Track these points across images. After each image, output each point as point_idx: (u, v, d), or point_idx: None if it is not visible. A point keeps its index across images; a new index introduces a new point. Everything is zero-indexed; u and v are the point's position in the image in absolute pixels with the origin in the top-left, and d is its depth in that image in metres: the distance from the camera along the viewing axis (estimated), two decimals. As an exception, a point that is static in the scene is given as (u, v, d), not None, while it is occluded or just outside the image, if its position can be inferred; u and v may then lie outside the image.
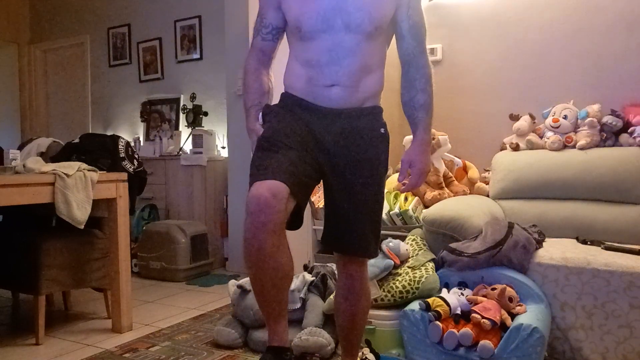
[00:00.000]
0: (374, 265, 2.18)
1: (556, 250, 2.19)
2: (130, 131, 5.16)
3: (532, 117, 3.02)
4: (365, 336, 2.03)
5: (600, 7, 2.97)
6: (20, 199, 2.13)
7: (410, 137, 1.66)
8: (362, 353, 1.98)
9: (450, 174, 3.06)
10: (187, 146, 4.42)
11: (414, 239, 2.46)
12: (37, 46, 5.87)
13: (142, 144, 4.83)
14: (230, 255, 4.01)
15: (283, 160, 1.42)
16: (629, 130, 2.75)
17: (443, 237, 2.36)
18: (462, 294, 2.05)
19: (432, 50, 3.40)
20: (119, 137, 2.81)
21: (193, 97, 4.55)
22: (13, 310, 3.04)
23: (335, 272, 2.32)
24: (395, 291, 2.17)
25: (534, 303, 2.01)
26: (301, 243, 3.23)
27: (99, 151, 2.71)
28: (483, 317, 1.85)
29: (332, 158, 1.55)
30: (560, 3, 3.08)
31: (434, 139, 2.97)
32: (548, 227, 2.61)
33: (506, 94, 3.24)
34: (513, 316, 1.92)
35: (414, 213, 2.80)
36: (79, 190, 2.31)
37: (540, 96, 3.11)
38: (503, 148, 3.09)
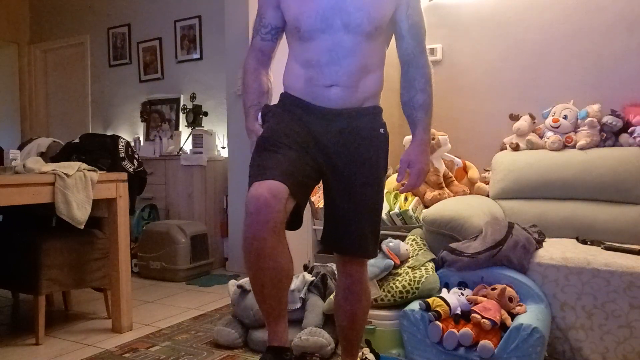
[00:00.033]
0: (374, 265, 2.18)
1: (556, 250, 2.19)
2: (130, 131, 5.16)
3: (532, 117, 3.02)
4: (365, 336, 2.03)
5: (600, 7, 2.97)
6: (20, 199, 2.13)
7: (410, 137, 1.65)
8: (362, 353, 1.98)
9: (450, 174, 3.06)
10: (187, 146, 4.42)
11: (414, 239, 2.46)
12: (37, 46, 5.87)
13: (142, 144, 4.83)
14: (230, 255, 4.01)
15: (282, 161, 1.42)
16: (629, 130, 2.75)
17: (443, 237, 2.36)
18: (462, 294, 2.05)
19: (432, 50, 3.40)
20: (119, 137, 2.81)
21: (193, 97, 4.55)
22: (13, 310, 3.04)
23: (335, 272, 2.32)
24: (395, 291, 2.17)
25: (534, 303, 2.01)
26: (301, 243, 3.23)
27: (99, 151, 2.70)
28: (483, 317, 1.85)
29: (332, 158, 1.55)
30: (560, 3, 3.08)
31: (433, 139, 2.97)
32: (548, 227, 2.61)
33: (506, 94, 3.24)
34: (513, 316, 1.92)
35: (414, 213, 2.80)
36: (79, 190, 2.31)
37: (540, 96, 3.11)
38: (503, 148, 3.09)
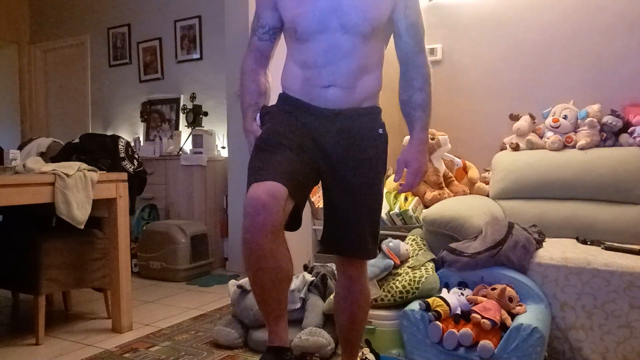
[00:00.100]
0: (374, 265, 2.17)
1: (556, 250, 2.19)
2: (130, 131, 5.16)
3: (532, 117, 3.02)
4: (365, 336, 2.03)
5: (600, 7, 2.97)
6: (20, 199, 2.13)
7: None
8: (362, 353, 1.98)
9: (450, 174, 3.06)
10: (187, 146, 4.42)
11: (414, 239, 2.46)
12: (37, 46, 5.87)
13: (142, 144, 4.83)
14: (230, 255, 4.01)
15: (281, 161, 1.42)
16: (629, 130, 2.75)
17: (443, 237, 2.36)
18: (462, 294, 2.05)
19: (432, 50, 3.40)
20: (119, 137, 2.81)
21: (193, 97, 4.55)
22: (13, 310, 3.04)
23: (335, 272, 2.32)
24: (395, 291, 2.17)
25: (534, 303, 2.01)
26: (301, 243, 3.23)
27: (99, 151, 2.71)
28: (483, 317, 1.85)
29: (330, 159, 1.54)
30: (560, 3, 3.08)
31: (433, 139, 2.97)
32: (548, 227, 2.61)
33: (506, 94, 3.24)
34: (513, 316, 1.92)
35: (414, 213, 2.80)
36: (79, 190, 2.31)
37: (540, 96, 3.11)
38: (503, 148, 3.09)
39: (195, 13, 4.71)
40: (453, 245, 2.23)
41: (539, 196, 2.80)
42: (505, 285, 1.98)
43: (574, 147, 2.80)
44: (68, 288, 2.60)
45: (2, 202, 2.06)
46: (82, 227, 2.32)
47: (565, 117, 2.88)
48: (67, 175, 2.27)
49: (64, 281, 2.50)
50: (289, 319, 1.62)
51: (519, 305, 1.97)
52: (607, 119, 2.77)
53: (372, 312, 2.08)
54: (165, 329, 2.57)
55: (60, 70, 5.80)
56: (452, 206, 2.47)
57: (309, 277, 2.42)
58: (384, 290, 2.18)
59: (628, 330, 1.96)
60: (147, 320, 2.74)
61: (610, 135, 2.78)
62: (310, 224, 3.28)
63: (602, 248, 2.26)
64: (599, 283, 2.00)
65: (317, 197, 3.21)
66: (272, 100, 1.66)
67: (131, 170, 2.73)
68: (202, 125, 4.42)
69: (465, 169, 3.19)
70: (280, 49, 1.66)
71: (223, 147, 4.41)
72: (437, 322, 1.92)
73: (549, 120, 2.92)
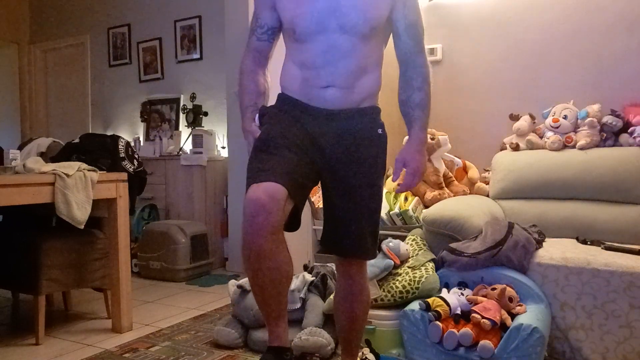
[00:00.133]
0: (374, 265, 2.17)
1: (556, 250, 2.19)
2: (130, 131, 5.16)
3: (532, 117, 3.02)
4: (365, 336, 2.03)
5: (600, 7, 2.97)
6: (20, 199, 2.13)
7: None
8: (362, 353, 1.98)
9: (450, 174, 3.06)
10: (187, 146, 4.42)
11: (414, 239, 2.46)
12: (37, 46, 5.87)
13: (142, 144, 4.83)
14: (230, 255, 4.01)
15: (280, 162, 1.42)
16: (629, 130, 2.75)
17: (443, 237, 2.36)
18: (462, 294, 2.05)
19: (432, 50, 3.40)
20: (119, 137, 2.81)
21: (193, 97, 4.55)
22: (13, 310, 3.04)
23: (335, 272, 2.32)
24: (395, 291, 2.17)
25: (534, 303, 2.01)
26: (301, 243, 3.23)
27: (99, 151, 2.70)
28: (483, 317, 1.85)
29: (329, 159, 1.54)
30: (560, 3, 3.08)
31: (433, 139, 2.97)
32: (548, 227, 2.61)
33: (506, 94, 3.24)
34: (513, 316, 1.92)
35: (414, 213, 2.80)
36: (79, 190, 2.31)
37: (540, 96, 3.11)
38: (503, 148, 3.09)
39: (195, 13, 4.71)
40: (453, 245, 2.23)
41: (539, 196, 2.80)
42: (505, 285, 1.98)
43: (574, 147, 2.80)
44: (68, 288, 2.60)
45: (2, 202, 2.06)
46: (82, 227, 2.32)
47: (565, 117, 2.88)
48: (67, 175, 2.27)
49: (64, 281, 2.50)
50: (289, 319, 1.62)
51: (519, 305, 1.97)
52: (607, 119, 2.77)
53: (372, 312, 2.08)
54: (165, 329, 2.57)
55: (60, 70, 5.80)
56: (452, 206, 2.47)
57: (309, 277, 2.42)
58: (384, 290, 2.18)
59: (628, 330, 1.96)
60: (147, 320, 2.74)
61: (610, 135, 2.77)
62: (310, 224, 3.28)
63: (602, 248, 2.26)
64: (599, 283, 2.00)
65: (317, 197, 3.21)
66: (271, 101, 1.65)
67: (131, 170, 2.73)
68: (202, 125, 4.42)
69: (465, 169, 3.19)
70: (279, 48, 1.66)
71: (223, 147, 4.41)
72: (437, 322, 1.92)
73: (549, 120, 2.92)
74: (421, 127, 1.57)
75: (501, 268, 2.12)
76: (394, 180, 1.62)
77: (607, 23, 2.95)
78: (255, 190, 1.34)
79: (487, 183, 3.07)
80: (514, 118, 3.10)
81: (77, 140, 2.77)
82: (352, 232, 1.57)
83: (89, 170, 2.38)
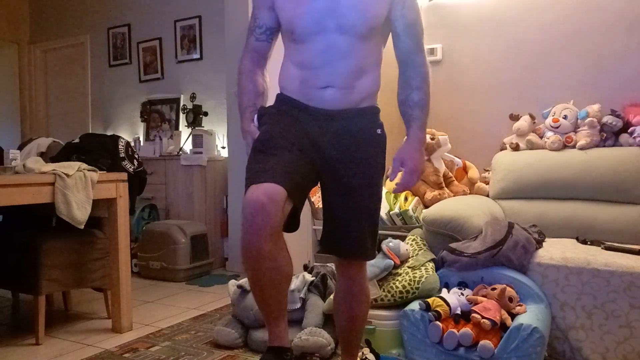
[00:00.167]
0: (374, 265, 2.17)
1: (556, 250, 2.19)
2: (130, 131, 5.16)
3: (532, 117, 3.02)
4: (365, 336, 2.03)
5: (600, 7, 2.97)
6: (20, 199, 2.13)
7: None
8: (362, 353, 1.98)
9: (450, 174, 3.06)
10: (187, 146, 4.42)
11: (414, 239, 2.46)
12: (37, 46, 5.87)
13: (142, 144, 4.83)
14: (230, 255, 4.00)
15: (279, 163, 1.41)
16: (629, 130, 2.75)
17: (443, 237, 2.36)
18: (462, 294, 2.05)
19: (432, 50, 3.40)
20: (119, 137, 2.81)
21: (193, 97, 4.55)
22: (13, 310, 3.04)
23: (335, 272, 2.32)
24: (395, 291, 2.17)
25: (534, 303, 2.01)
26: (301, 243, 3.23)
27: (99, 151, 2.70)
28: (483, 317, 1.85)
29: (328, 159, 1.54)
30: (560, 3, 3.08)
31: (433, 138, 2.97)
32: (548, 227, 2.61)
33: (506, 94, 3.24)
34: (513, 316, 1.92)
35: (414, 213, 2.80)
36: (79, 190, 2.31)
37: (540, 96, 3.11)
38: (503, 148, 3.09)
39: (195, 13, 4.71)
40: (453, 245, 2.24)
41: (539, 196, 2.80)
42: (505, 285, 1.98)
43: (574, 147, 2.80)
44: (68, 288, 2.60)
45: (2, 202, 2.06)
46: (82, 227, 2.32)
47: (565, 117, 2.88)
48: (67, 175, 2.27)
49: (64, 281, 2.50)
50: (289, 319, 1.62)
51: (519, 305, 1.97)
52: (607, 119, 2.77)
53: (372, 312, 2.08)
54: (165, 329, 2.57)
55: (60, 70, 5.80)
56: (452, 206, 2.47)
57: (309, 277, 2.42)
58: (384, 290, 2.18)
59: (628, 330, 1.96)
60: (147, 320, 2.74)
61: (610, 135, 2.78)
62: (310, 224, 3.28)
63: (602, 248, 2.26)
64: (599, 283, 2.00)
65: (317, 197, 3.21)
66: (270, 101, 1.65)
67: (131, 170, 2.73)
68: (202, 125, 4.42)
69: (465, 169, 3.19)
70: (278, 48, 1.65)
71: (223, 147, 4.41)
72: (437, 322, 1.92)
73: (549, 120, 2.92)
74: (420, 126, 1.56)
75: (501, 268, 2.12)
76: (391, 180, 1.61)
77: (607, 23, 2.95)
78: (255, 191, 1.33)
79: (487, 183, 3.07)
80: (514, 118, 3.10)
81: (77, 140, 2.77)
82: (352, 232, 1.56)
83: (89, 170, 2.38)
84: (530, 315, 1.90)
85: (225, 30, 3.87)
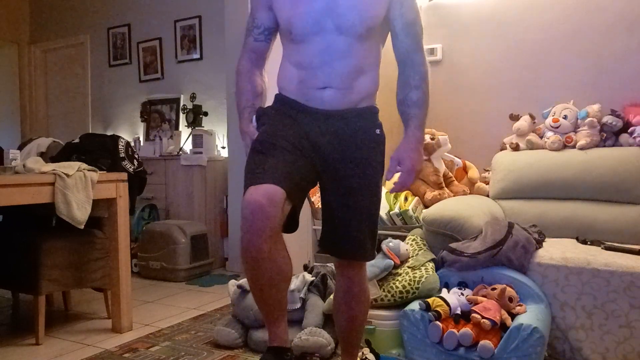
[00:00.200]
0: (374, 265, 2.17)
1: (556, 250, 2.19)
2: (130, 131, 5.16)
3: (532, 117, 3.02)
4: (365, 336, 2.03)
5: (600, 7, 2.97)
6: (20, 199, 2.13)
7: None
8: (362, 353, 1.98)
9: (450, 174, 3.06)
10: (187, 146, 4.42)
11: (414, 239, 2.46)
12: (37, 46, 5.87)
13: (142, 144, 4.83)
14: (230, 255, 4.00)
15: (278, 163, 1.40)
16: (629, 130, 2.75)
17: (443, 237, 2.36)
18: (462, 294, 2.05)
19: (432, 50, 3.40)
20: (119, 137, 2.81)
21: (193, 97, 4.55)
22: (13, 310, 3.04)
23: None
24: (395, 291, 2.17)
25: (534, 303, 2.01)
26: (301, 243, 3.23)
27: (99, 151, 2.71)
28: (483, 317, 1.85)
29: (328, 160, 1.53)
30: (560, 3, 3.08)
31: (433, 138, 2.97)
32: (548, 227, 2.61)
33: (506, 94, 3.24)
34: (513, 316, 1.92)
35: (414, 213, 2.80)
36: (79, 190, 2.31)
37: (540, 96, 3.11)
38: (503, 148, 3.09)
39: (195, 13, 4.71)
40: (453, 245, 2.23)
41: (539, 196, 2.80)
42: (505, 285, 1.98)
43: (574, 147, 2.80)
44: (68, 288, 2.60)
45: (2, 202, 2.06)
46: (82, 227, 2.32)
47: (565, 117, 2.88)
48: (67, 175, 2.27)
49: (64, 281, 2.50)
50: (289, 319, 1.62)
51: (519, 305, 1.97)
52: (607, 119, 2.77)
53: (372, 312, 2.08)
54: (165, 329, 2.57)
55: (60, 70, 5.80)
56: (452, 206, 2.47)
57: (309, 277, 2.42)
58: (384, 290, 2.18)
59: (628, 330, 1.96)
60: (147, 320, 2.74)
61: (610, 135, 2.77)
62: (310, 224, 3.28)
63: (602, 248, 2.26)
64: (599, 283, 2.00)
65: (317, 197, 3.21)
66: (269, 101, 1.64)
67: (131, 170, 2.73)
68: (202, 125, 4.42)
69: (465, 169, 3.19)
70: (277, 48, 1.64)
71: (223, 147, 4.41)
72: (437, 322, 1.92)
73: (549, 120, 2.92)
74: (418, 125, 1.55)
75: (501, 268, 2.12)
76: (388, 179, 1.59)
77: (607, 23, 2.95)
78: (254, 192, 1.33)
79: (487, 183, 3.07)
80: (514, 118, 3.10)
81: (77, 140, 2.77)
82: (351, 233, 1.56)
83: (89, 170, 2.38)
84: (530, 315, 1.90)
85: (225, 30, 3.87)
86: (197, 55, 4.73)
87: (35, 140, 3.08)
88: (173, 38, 4.86)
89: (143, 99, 5.04)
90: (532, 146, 2.94)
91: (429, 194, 2.89)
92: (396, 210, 2.82)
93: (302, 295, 2.31)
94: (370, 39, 1.52)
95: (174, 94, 4.85)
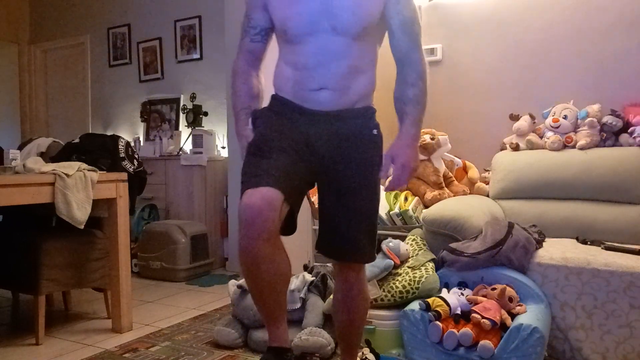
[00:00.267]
0: (374, 265, 2.17)
1: (556, 250, 2.19)
2: (130, 131, 5.16)
3: (532, 117, 3.02)
4: (365, 336, 2.03)
5: (600, 7, 2.97)
6: (20, 199, 2.13)
7: None
8: (362, 353, 1.98)
9: (450, 174, 3.06)
10: (187, 146, 4.42)
11: (414, 239, 2.46)
12: (37, 46, 5.87)
13: (142, 144, 4.83)
14: (230, 255, 4.01)
15: (275, 165, 1.39)
16: (629, 130, 2.75)
17: (443, 237, 2.35)
18: (462, 294, 2.05)
19: (432, 50, 3.40)
20: (119, 137, 2.81)
21: (193, 97, 4.55)
22: (13, 310, 3.04)
23: (335, 272, 2.32)
24: (395, 291, 2.17)
25: (534, 303, 2.01)
26: (301, 243, 3.23)
27: (99, 151, 2.71)
28: (483, 317, 1.85)
29: (325, 161, 1.52)
30: (560, 3, 3.08)
31: (433, 138, 2.97)
32: (548, 227, 2.61)
33: (506, 94, 3.24)
34: (513, 316, 1.92)
35: (414, 213, 2.80)
36: (79, 190, 2.31)
37: (540, 96, 3.11)
38: (503, 148, 3.09)
39: (195, 13, 4.71)
40: (453, 245, 2.23)
41: (539, 196, 2.80)
42: (505, 285, 1.98)
43: (574, 147, 2.80)
44: (68, 288, 2.60)
45: (2, 202, 2.06)
46: (82, 227, 2.32)
47: (565, 117, 2.88)
48: (67, 175, 2.27)
49: (64, 281, 2.50)
50: (288, 319, 1.62)
51: (519, 305, 1.97)
52: (607, 119, 2.77)
53: (372, 312, 2.08)
54: (165, 329, 2.57)
55: (60, 70, 5.80)
56: (452, 206, 2.47)
57: (309, 277, 2.42)
58: (384, 290, 2.18)
59: (628, 330, 1.96)
60: (147, 320, 2.74)
61: (610, 135, 2.77)
62: (310, 223, 3.28)
63: (602, 248, 2.26)
64: (599, 283, 2.00)
65: (316, 198, 3.20)
66: (265, 101, 1.63)
67: (131, 170, 2.73)
68: (202, 125, 4.42)
69: (465, 169, 3.19)
70: (273, 48, 1.64)
71: (223, 147, 4.41)
72: (437, 322, 1.92)
73: (549, 120, 2.92)
74: (413, 122, 1.52)
75: (501, 268, 2.12)
76: (382, 177, 1.56)
77: (607, 23, 2.95)
78: (251, 195, 1.32)
79: (487, 183, 3.07)
80: (514, 118, 3.10)
81: (77, 140, 2.77)
82: (349, 235, 1.54)
83: (89, 170, 2.38)
84: (530, 315, 1.90)
85: (225, 30, 3.87)
86: (197, 55, 4.74)
87: (35, 140, 3.08)
88: (173, 38, 4.86)
89: (143, 99, 5.04)
90: (532, 146, 2.94)
91: (429, 194, 2.89)
92: (396, 210, 2.82)
93: (302, 295, 2.31)
94: (366, 38, 1.51)
95: (174, 94, 4.85)
